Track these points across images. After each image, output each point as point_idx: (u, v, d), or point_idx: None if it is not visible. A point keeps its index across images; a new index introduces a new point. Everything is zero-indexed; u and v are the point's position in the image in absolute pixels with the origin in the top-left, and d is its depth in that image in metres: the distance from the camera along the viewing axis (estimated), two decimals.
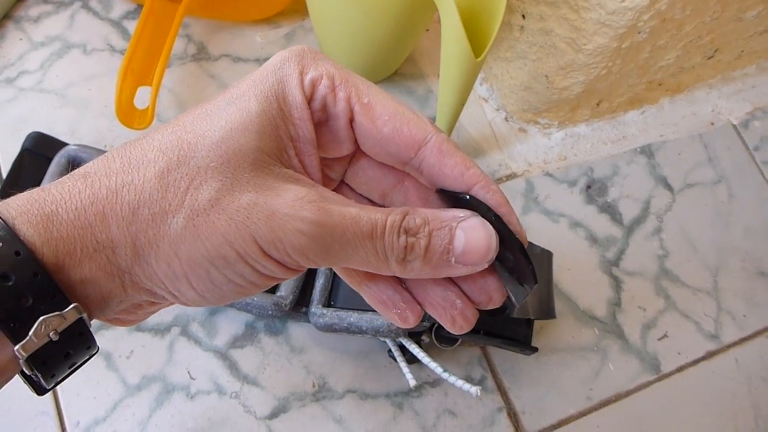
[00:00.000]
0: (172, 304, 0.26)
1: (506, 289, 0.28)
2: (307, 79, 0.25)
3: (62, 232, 0.22)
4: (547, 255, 0.57)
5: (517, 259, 0.26)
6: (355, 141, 0.27)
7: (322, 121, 0.26)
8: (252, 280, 0.24)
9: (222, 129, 0.23)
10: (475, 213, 0.26)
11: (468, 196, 0.26)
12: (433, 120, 0.64)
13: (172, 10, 0.59)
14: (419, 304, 0.28)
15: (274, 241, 0.23)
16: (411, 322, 0.28)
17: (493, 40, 0.45)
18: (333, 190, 0.28)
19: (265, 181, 0.23)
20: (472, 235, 0.25)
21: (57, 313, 0.21)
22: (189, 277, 0.23)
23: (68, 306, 0.22)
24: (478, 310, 0.53)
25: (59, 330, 0.22)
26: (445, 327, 0.28)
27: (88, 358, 0.24)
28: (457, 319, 0.28)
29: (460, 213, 0.26)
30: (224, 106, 0.24)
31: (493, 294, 0.28)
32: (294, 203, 0.23)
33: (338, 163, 0.29)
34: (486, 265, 0.26)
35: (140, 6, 0.63)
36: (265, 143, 0.24)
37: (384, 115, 0.25)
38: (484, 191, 0.26)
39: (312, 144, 0.25)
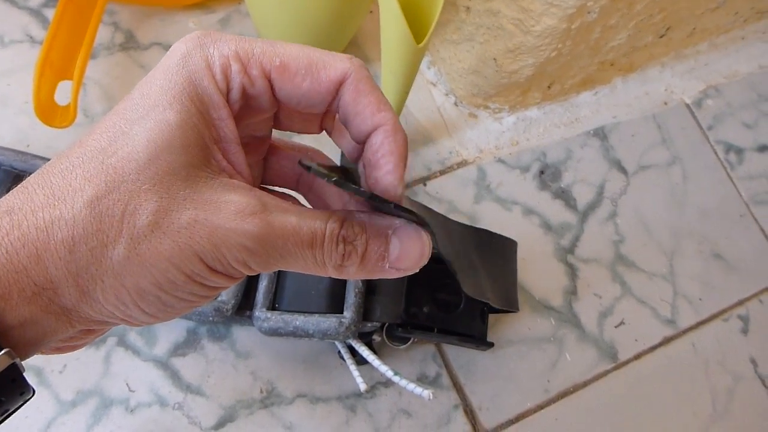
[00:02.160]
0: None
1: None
2: (218, 71, 0.24)
3: None
4: (511, 244, 0.54)
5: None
6: (275, 102, 0.26)
7: (244, 106, 0.25)
8: (201, 295, 0.24)
9: (146, 149, 0.22)
10: (408, 221, 0.26)
11: (393, 204, 0.24)
12: None
13: None
14: None
15: (218, 257, 0.22)
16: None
17: (434, 25, 0.43)
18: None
19: (201, 194, 0.22)
20: (407, 244, 0.25)
21: None
22: (139, 304, 0.23)
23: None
24: (435, 309, 0.51)
25: None
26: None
27: (22, 404, 0.23)
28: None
29: (396, 221, 0.26)
30: (139, 120, 0.22)
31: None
32: (236, 217, 0.22)
33: (265, 121, 0.28)
34: (417, 270, 0.26)
35: None
36: (193, 156, 0.23)
37: (300, 69, 0.24)
38: (383, 135, 0.25)
39: (236, 142, 0.25)
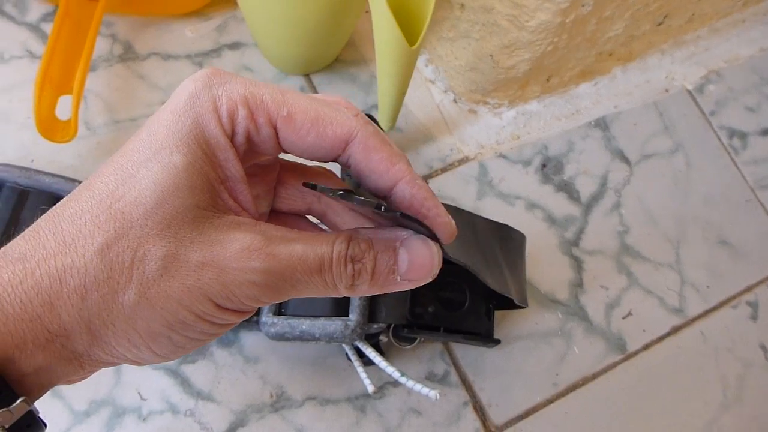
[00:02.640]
0: None
1: None
2: (224, 114, 0.24)
3: (9, 326, 0.21)
4: (521, 238, 0.54)
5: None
6: (280, 148, 0.26)
7: (247, 150, 0.25)
8: (212, 333, 0.24)
9: (153, 193, 0.22)
10: (417, 233, 0.26)
11: (400, 214, 0.24)
12: (373, 108, 0.61)
13: (90, 9, 0.55)
14: None
15: (228, 296, 0.23)
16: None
17: (426, 28, 0.43)
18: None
19: (208, 236, 0.23)
20: (416, 254, 0.25)
21: (4, 409, 0.21)
22: (150, 346, 0.23)
23: (16, 401, 0.21)
24: (441, 308, 0.52)
25: (7, 426, 0.21)
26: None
27: None
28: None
29: (402, 232, 0.26)
30: (146, 163, 0.23)
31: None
32: (241, 254, 0.23)
33: (263, 196, 0.29)
34: (431, 279, 0.26)
35: (58, 6, 0.59)
36: (200, 198, 0.23)
37: (306, 122, 0.25)
38: (409, 186, 0.25)
39: (242, 181, 0.25)
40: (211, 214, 0.23)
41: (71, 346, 0.22)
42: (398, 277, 0.25)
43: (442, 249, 0.27)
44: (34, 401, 0.23)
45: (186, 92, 0.24)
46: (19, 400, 0.21)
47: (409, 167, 0.25)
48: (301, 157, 0.26)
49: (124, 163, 0.23)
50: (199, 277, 0.22)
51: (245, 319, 0.26)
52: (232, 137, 0.24)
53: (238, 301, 0.23)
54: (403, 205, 0.25)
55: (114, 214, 0.22)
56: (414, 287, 0.26)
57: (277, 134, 0.25)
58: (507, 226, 0.52)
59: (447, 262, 0.51)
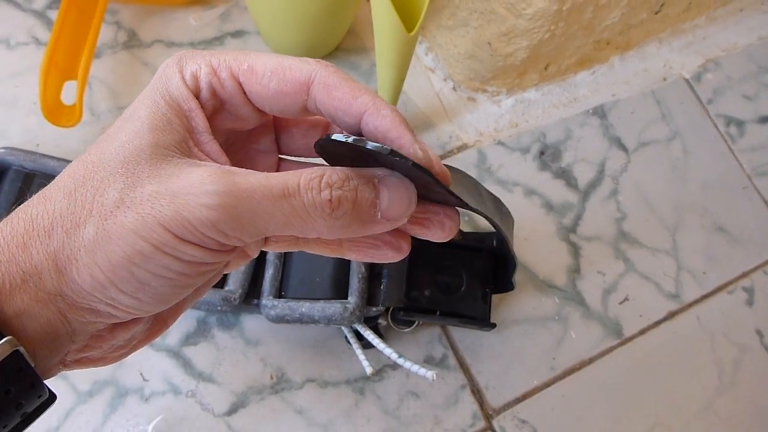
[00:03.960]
0: (138, 338, 0.27)
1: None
2: (188, 74, 0.25)
3: None
4: (512, 219, 0.55)
5: (438, 191, 0.26)
6: (253, 108, 0.27)
7: (218, 106, 0.26)
8: (179, 270, 0.23)
9: (119, 140, 0.24)
10: (392, 170, 0.26)
11: (385, 149, 0.24)
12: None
13: None
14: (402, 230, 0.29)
15: (183, 223, 0.22)
16: (406, 249, 0.28)
17: (424, 14, 0.43)
18: (277, 165, 0.30)
19: (165, 170, 0.23)
20: (395, 191, 0.25)
21: None
22: (115, 282, 0.23)
23: (1, 339, 0.21)
24: (437, 292, 0.52)
25: None
26: (436, 238, 0.28)
27: (42, 405, 0.24)
28: (445, 222, 0.28)
29: (379, 171, 0.25)
30: (120, 125, 0.25)
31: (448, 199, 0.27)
32: (197, 181, 0.23)
33: (263, 133, 0.29)
34: (404, 221, 0.26)
35: None
36: (160, 137, 0.24)
37: (267, 71, 0.25)
38: (373, 118, 0.25)
39: (207, 132, 0.26)
40: (171, 153, 0.24)
41: (42, 286, 0.22)
42: (379, 213, 0.25)
43: (462, 201, 0.26)
44: (47, 377, 0.23)
45: (159, 68, 0.26)
46: (4, 339, 0.21)
47: (375, 98, 0.25)
48: (269, 110, 0.27)
49: (109, 130, 0.25)
50: (152, 206, 0.22)
51: (220, 261, 0.24)
52: (198, 94, 0.25)
53: (194, 230, 0.22)
54: (373, 138, 0.25)
55: (85, 165, 0.24)
56: (387, 229, 0.26)
57: (242, 88, 0.26)
58: (500, 200, 0.52)
59: (443, 246, 0.52)
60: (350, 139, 0.23)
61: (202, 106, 0.25)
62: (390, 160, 0.24)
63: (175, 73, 0.25)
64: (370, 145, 0.23)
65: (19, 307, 0.22)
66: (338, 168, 0.25)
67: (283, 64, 0.25)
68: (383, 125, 0.24)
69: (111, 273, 0.22)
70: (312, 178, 0.24)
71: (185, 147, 0.25)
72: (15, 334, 0.22)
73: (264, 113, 0.28)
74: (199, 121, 0.25)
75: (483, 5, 0.54)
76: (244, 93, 0.26)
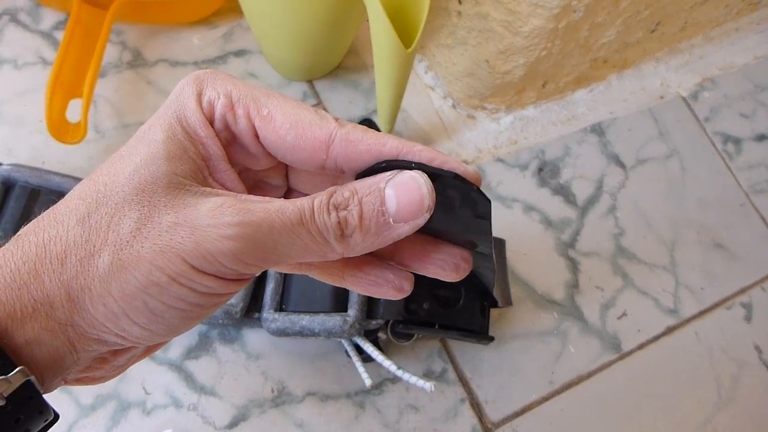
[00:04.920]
0: (138, 354, 0.27)
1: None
2: (205, 99, 0.25)
3: (0, 296, 0.22)
4: (499, 242, 0.56)
5: (458, 190, 0.25)
6: (265, 151, 0.26)
7: (229, 139, 0.26)
8: (193, 302, 0.23)
9: (133, 164, 0.23)
10: (401, 170, 0.24)
11: (384, 163, 0.24)
12: (373, 113, 0.63)
13: (100, 17, 0.57)
14: (409, 270, 0.28)
15: (203, 254, 0.22)
16: (407, 290, 0.28)
17: (421, 30, 0.44)
18: (284, 197, 0.29)
19: (182, 200, 0.23)
20: (403, 189, 0.24)
21: (2, 377, 0.21)
22: (128, 313, 0.23)
23: (14, 369, 0.21)
24: (436, 305, 0.53)
25: (5, 395, 0.21)
26: (448, 279, 0.28)
27: (46, 426, 0.24)
28: (460, 264, 0.28)
29: (387, 174, 0.24)
30: (134, 144, 0.24)
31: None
32: (213, 212, 0.22)
33: (274, 171, 0.29)
34: (428, 216, 0.24)
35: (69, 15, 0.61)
36: (176, 166, 0.23)
37: (285, 123, 0.25)
38: (411, 155, 0.25)
39: (224, 160, 0.25)
40: (187, 182, 0.24)
41: (54, 315, 0.22)
42: (390, 219, 0.24)
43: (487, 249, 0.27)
44: (47, 391, 0.23)
45: (177, 86, 0.25)
46: (17, 370, 0.21)
47: (402, 140, 0.25)
48: (285, 160, 0.26)
49: (120, 150, 0.24)
50: (171, 237, 0.22)
51: (234, 291, 0.24)
52: (211, 123, 0.25)
53: (215, 261, 0.22)
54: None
55: (97, 187, 0.23)
56: (412, 230, 0.25)
57: (256, 131, 0.25)
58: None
59: None
60: (411, 164, 0.23)
61: (216, 135, 0.25)
62: (452, 183, 0.23)
63: (192, 96, 0.25)
64: (435, 169, 0.23)
65: (29, 335, 0.22)
66: (346, 185, 0.25)
67: (304, 118, 0.25)
68: (426, 157, 0.24)
69: (125, 303, 0.22)
70: (322, 201, 0.24)
71: (201, 176, 0.24)
72: (26, 362, 0.22)
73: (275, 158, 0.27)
74: (216, 149, 0.25)
75: (481, 24, 0.55)
76: (257, 137, 0.26)
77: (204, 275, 0.23)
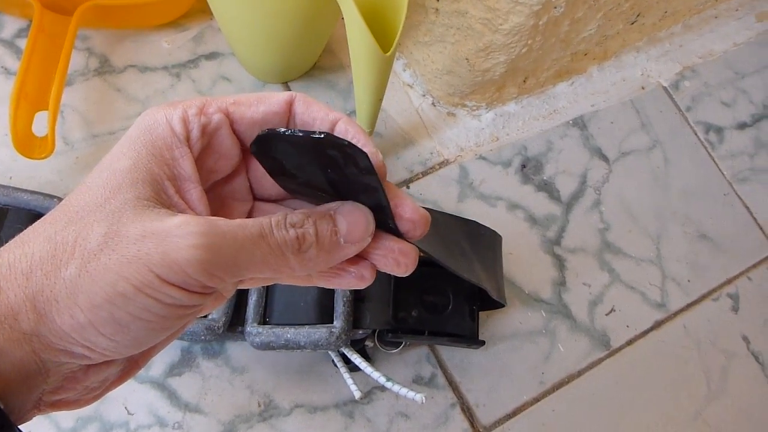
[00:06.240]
0: (112, 378, 0.27)
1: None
2: (175, 119, 0.26)
3: None
4: (496, 237, 0.55)
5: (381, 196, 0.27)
6: (241, 146, 0.29)
7: (205, 144, 0.27)
8: (158, 313, 0.24)
9: (101, 194, 0.24)
10: (345, 201, 0.28)
11: (284, 129, 0.26)
12: (352, 114, 0.62)
13: (64, 23, 0.55)
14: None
15: (169, 264, 0.23)
16: (368, 278, 0.30)
17: (399, 34, 0.43)
18: (250, 213, 0.31)
19: (149, 216, 0.24)
20: (350, 216, 0.27)
21: None
22: (94, 324, 0.23)
23: None
24: (424, 311, 0.52)
25: None
26: (394, 273, 0.30)
27: None
28: (399, 260, 0.29)
29: (333, 204, 0.28)
30: (100, 173, 0.25)
31: (413, 217, 0.29)
32: (180, 225, 0.23)
33: (235, 177, 0.31)
34: (369, 240, 0.28)
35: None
36: (141, 190, 0.25)
37: (252, 100, 0.28)
38: (345, 125, 0.28)
39: (192, 180, 0.26)
40: (153, 205, 0.25)
41: (18, 326, 0.22)
42: (341, 239, 0.27)
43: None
44: (20, 423, 0.23)
45: (144, 116, 0.27)
46: None
47: (342, 114, 0.28)
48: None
49: (87, 179, 0.25)
50: (138, 249, 0.23)
51: (197, 304, 0.25)
52: (187, 136, 0.26)
53: (180, 270, 0.23)
54: None
55: (66, 212, 0.24)
56: (357, 251, 0.28)
57: (230, 119, 0.27)
58: (475, 222, 0.52)
59: (429, 265, 0.52)
60: (286, 132, 0.25)
61: (190, 149, 0.26)
62: (330, 143, 0.25)
63: (161, 120, 0.26)
64: (303, 132, 0.24)
65: None
66: (297, 211, 0.27)
67: (265, 93, 0.28)
68: (352, 129, 0.28)
69: (91, 315, 0.23)
70: (279, 220, 0.26)
71: (165, 197, 0.25)
72: None
73: (243, 151, 0.29)
74: (185, 169, 0.26)
75: (459, 21, 0.54)
76: (231, 125, 0.28)
77: (170, 286, 0.23)
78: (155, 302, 0.23)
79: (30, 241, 0.24)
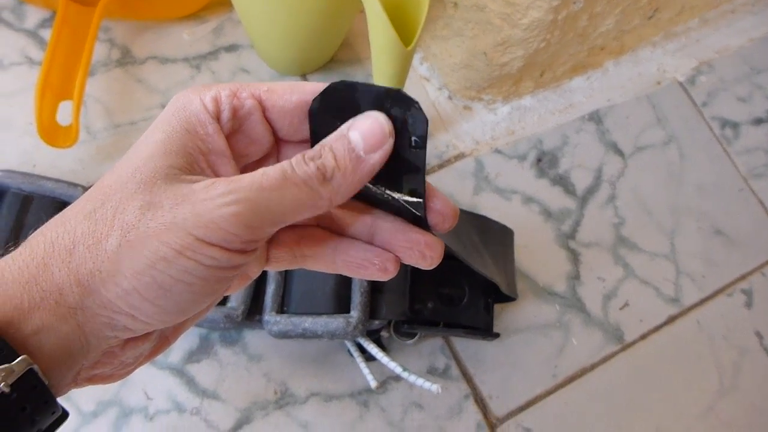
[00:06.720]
0: (146, 352, 0.28)
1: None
2: (207, 98, 0.27)
3: (8, 290, 0.23)
4: (508, 232, 0.55)
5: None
6: (273, 133, 0.29)
7: (236, 128, 0.28)
8: (199, 275, 0.24)
9: (133, 164, 0.25)
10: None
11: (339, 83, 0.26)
12: None
13: (88, 15, 0.56)
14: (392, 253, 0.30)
15: (206, 224, 0.23)
16: (392, 270, 0.30)
17: (421, 29, 0.43)
18: None
19: (180, 185, 0.25)
20: (362, 125, 0.26)
21: (5, 365, 0.22)
22: (138, 289, 0.24)
23: (16, 358, 0.22)
24: (440, 303, 0.53)
25: (9, 382, 0.22)
26: (419, 266, 0.29)
27: (55, 422, 0.24)
28: (425, 253, 0.29)
29: (346, 124, 0.27)
30: (134, 147, 0.26)
31: (443, 210, 0.29)
32: (206, 188, 0.24)
33: (267, 164, 0.30)
34: (392, 140, 0.26)
35: (55, 13, 0.60)
36: (174, 160, 0.25)
37: (286, 88, 0.28)
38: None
39: (224, 155, 0.27)
40: (185, 173, 0.25)
41: (63, 301, 0.23)
42: (361, 152, 0.26)
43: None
44: (59, 394, 0.24)
45: (176, 97, 0.27)
46: (20, 358, 0.22)
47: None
48: (285, 129, 0.29)
49: (125, 155, 0.26)
50: (174, 214, 0.24)
51: (238, 264, 0.25)
52: (218, 116, 0.27)
53: (218, 228, 0.23)
54: None
55: (103, 188, 0.25)
56: (382, 157, 0.26)
57: (262, 106, 0.28)
58: (486, 217, 0.53)
59: (444, 257, 0.52)
60: (359, 83, 0.25)
61: (221, 128, 0.27)
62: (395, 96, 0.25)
63: (195, 99, 0.27)
64: (365, 86, 0.25)
65: (37, 324, 0.23)
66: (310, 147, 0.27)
67: (298, 83, 0.28)
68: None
69: (135, 280, 0.23)
70: (297, 158, 0.26)
71: (198, 168, 0.26)
72: (31, 352, 0.23)
73: (275, 137, 0.29)
74: (217, 144, 0.27)
75: (478, 16, 0.54)
76: (263, 112, 0.28)
77: (210, 246, 0.24)
78: (196, 264, 0.24)
79: (70, 219, 0.24)
